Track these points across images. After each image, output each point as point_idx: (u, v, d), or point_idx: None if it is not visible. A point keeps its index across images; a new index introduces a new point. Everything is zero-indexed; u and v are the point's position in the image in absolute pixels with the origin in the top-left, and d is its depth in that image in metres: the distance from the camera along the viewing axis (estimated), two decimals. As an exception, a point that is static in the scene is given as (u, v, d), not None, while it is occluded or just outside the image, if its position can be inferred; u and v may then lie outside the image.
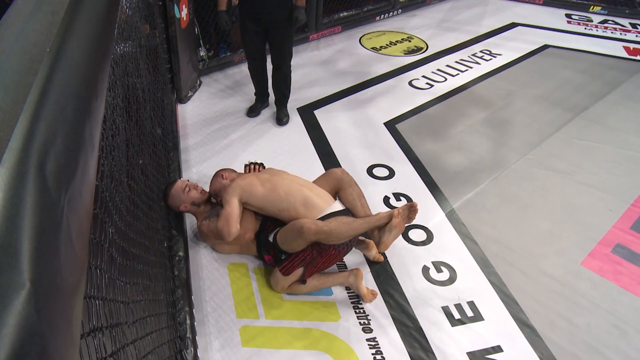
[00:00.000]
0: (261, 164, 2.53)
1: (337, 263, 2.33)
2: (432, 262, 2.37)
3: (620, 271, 2.35)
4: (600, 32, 5.27)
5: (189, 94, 3.71)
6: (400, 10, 5.62)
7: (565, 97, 3.93)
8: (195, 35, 3.75)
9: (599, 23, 5.51)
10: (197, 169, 2.99)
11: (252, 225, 2.26)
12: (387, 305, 2.16)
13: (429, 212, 2.68)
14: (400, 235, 2.36)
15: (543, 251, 2.45)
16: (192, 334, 1.94)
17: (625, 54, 4.75)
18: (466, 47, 4.85)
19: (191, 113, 3.56)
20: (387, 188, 2.87)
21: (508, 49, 4.81)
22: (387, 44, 4.89)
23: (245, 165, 2.53)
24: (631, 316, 2.12)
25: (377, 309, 2.14)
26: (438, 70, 4.37)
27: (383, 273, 2.31)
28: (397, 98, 3.87)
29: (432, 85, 4.09)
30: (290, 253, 2.11)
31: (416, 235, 2.53)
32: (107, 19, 1.05)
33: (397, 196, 2.81)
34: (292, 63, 3.31)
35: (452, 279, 2.29)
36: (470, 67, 4.43)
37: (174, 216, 2.42)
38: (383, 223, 2.17)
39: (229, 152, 3.14)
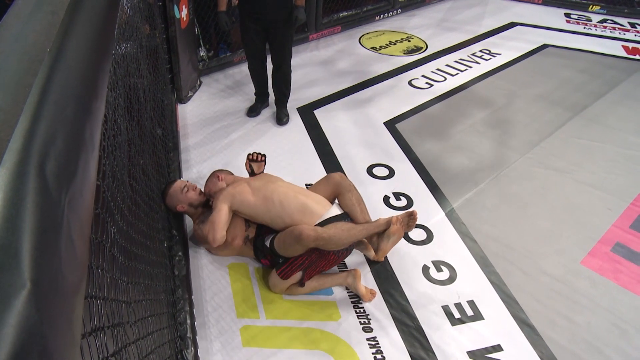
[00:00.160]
0: (264, 155, 2.51)
1: (337, 263, 2.33)
2: (432, 262, 2.37)
3: (620, 270, 2.35)
4: (599, 32, 5.27)
5: (189, 94, 3.71)
6: (399, 10, 5.62)
7: (565, 96, 3.93)
8: (195, 36, 3.75)
9: (598, 22, 5.51)
10: (197, 168, 2.99)
11: (240, 232, 2.25)
12: (387, 304, 2.16)
13: (429, 212, 2.68)
14: (402, 237, 2.35)
15: (543, 250, 2.45)
16: (193, 333, 1.95)
17: (624, 53, 4.75)
18: (466, 47, 4.85)
19: (191, 113, 3.56)
20: (387, 187, 2.88)
21: (507, 48, 4.81)
22: (386, 44, 4.89)
23: (248, 155, 2.50)
24: (631, 315, 2.13)
25: (377, 308, 2.14)
26: (438, 69, 4.37)
27: (383, 272, 2.31)
28: (397, 98, 3.87)
29: (431, 85, 4.09)
30: (288, 257, 2.11)
31: (416, 234, 2.53)
32: (107, 19, 1.05)
33: (397, 196, 2.82)
34: (292, 63, 3.31)
35: (452, 279, 2.29)
36: (470, 67, 4.43)
37: (174, 216, 2.42)
38: (382, 229, 2.17)
39: (229, 152, 3.14)
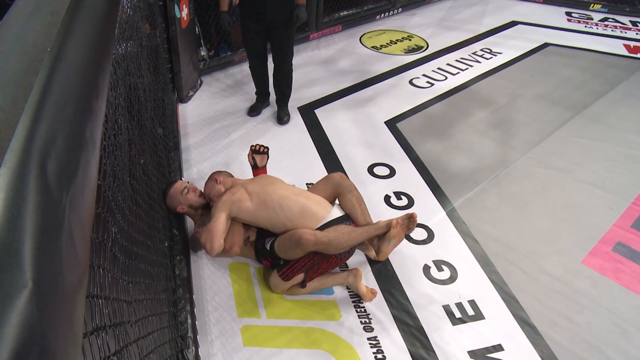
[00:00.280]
0: (266, 147, 2.50)
1: (338, 262, 2.33)
2: (433, 261, 2.37)
3: (620, 269, 2.35)
4: (600, 30, 5.26)
5: (190, 94, 3.72)
6: (400, 9, 5.62)
7: (566, 95, 3.93)
8: (195, 35, 3.75)
9: (599, 21, 5.51)
10: (198, 168, 2.99)
11: (238, 240, 2.25)
12: (388, 304, 2.16)
13: (430, 211, 2.68)
14: (403, 239, 2.35)
15: (544, 250, 2.45)
16: (194, 333, 1.95)
17: (625, 52, 4.75)
18: (466, 46, 4.84)
19: (192, 112, 3.56)
20: (388, 187, 2.87)
21: (508, 47, 4.81)
22: (387, 43, 4.89)
23: (252, 146, 2.48)
24: (632, 314, 2.12)
25: (378, 308, 2.14)
26: (438, 69, 4.37)
27: (384, 272, 2.31)
28: (398, 97, 3.87)
29: (432, 84, 4.09)
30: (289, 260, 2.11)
31: (417, 234, 2.53)
32: (107, 19, 1.05)
33: (398, 195, 2.81)
34: (292, 62, 3.31)
35: (452, 278, 2.29)
36: (471, 66, 4.42)
37: (175, 216, 2.43)
38: (382, 232, 2.17)
39: (230, 152, 3.14)
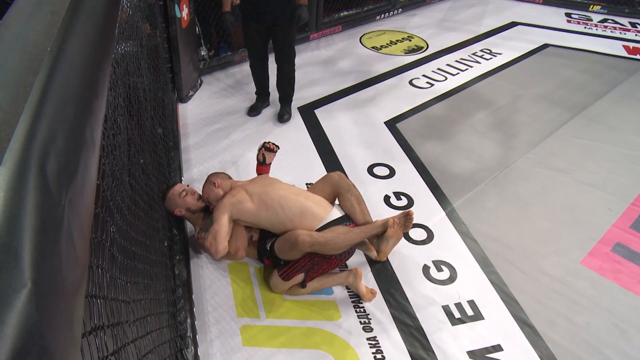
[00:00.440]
0: (278, 147, 2.48)
1: (338, 262, 2.33)
2: (433, 261, 2.37)
3: (620, 270, 2.35)
4: (600, 31, 5.27)
5: (190, 94, 3.71)
6: (400, 9, 5.62)
7: (565, 96, 3.93)
8: (196, 35, 3.75)
9: (598, 22, 5.51)
10: (198, 168, 2.99)
11: (242, 244, 2.25)
12: (387, 304, 2.16)
13: (430, 211, 2.68)
14: (402, 238, 2.35)
15: (543, 250, 2.45)
16: (193, 332, 1.95)
17: (625, 53, 4.75)
18: (466, 47, 4.84)
19: (192, 112, 3.56)
20: (388, 187, 2.88)
21: (508, 48, 4.81)
22: (387, 43, 4.89)
23: (265, 143, 2.44)
24: (631, 315, 2.13)
25: (377, 308, 2.14)
26: (438, 69, 4.37)
27: (383, 272, 2.31)
28: (398, 97, 3.87)
29: (432, 85, 4.09)
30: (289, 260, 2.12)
31: (417, 234, 2.53)
32: (107, 19, 1.05)
33: (398, 195, 2.82)
34: (295, 62, 3.31)
35: (452, 278, 2.29)
36: (471, 67, 4.43)
37: (174, 216, 2.42)
38: (380, 231, 2.17)
39: (230, 152, 3.14)
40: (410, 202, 2.76)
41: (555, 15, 5.69)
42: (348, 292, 2.22)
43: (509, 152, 3.22)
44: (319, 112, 3.63)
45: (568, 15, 5.72)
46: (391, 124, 3.51)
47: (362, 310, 2.13)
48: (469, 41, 4.97)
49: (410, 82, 4.13)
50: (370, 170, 3.02)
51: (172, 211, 2.33)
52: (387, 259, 2.37)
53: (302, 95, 3.79)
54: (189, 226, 2.51)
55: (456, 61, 4.53)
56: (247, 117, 3.52)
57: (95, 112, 0.83)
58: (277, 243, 2.12)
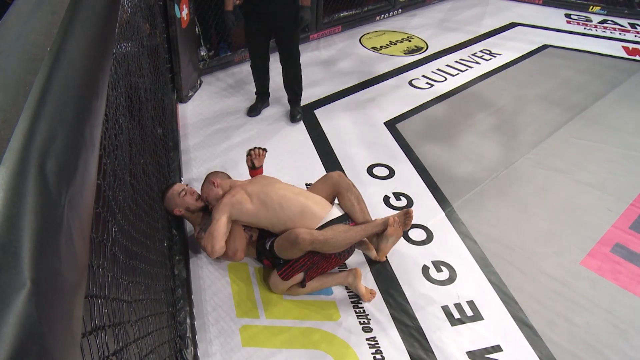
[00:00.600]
0: (264, 150, 2.50)
1: (337, 262, 2.33)
2: (432, 262, 2.37)
3: (619, 270, 2.35)
4: (599, 32, 5.27)
5: (190, 94, 3.72)
6: (400, 10, 5.62)
7: (565, 96, 3.93)
8: (195, 35, 3.75)
9: (598, 23, 5.51)
10: (197, 168, 2.99)
11: (241, 246, 2.25)
12: (387, 304, 2.16)
13: (429, 212, 2.68)
14: (401, 236, 2.36)
15: (542, 250, 2.45)
16: (192, 333, 1.95)
17: (624, 54, 4.75)
18: (466, 47, 4.85)
19: (192, 112, 3.56)
20: (387, 187, 2.88)
21: (508, 48, 4.81)
22: (387, 44, 4.89)
23: (250, 151, 2.47)
24: (630, 316, 2.13)
25: (377, 308, 2.14)
26: (438, 70, 4.37)
27: (383, 272, 2.31)
28: (397, 98, 3.87)
29: (432, 85, 4.09)
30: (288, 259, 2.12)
31: (416, 234, 2.53)
32: (107, 19, 1.05)
33: (397, 196, 2.82)
34: (300, 62, 3.31)
35: (451, 279, 2.29)
36: (470, 67, 4.43)
37: (174, 216, 2.42)
38: (380, 230, 2.17)
39: (229, 152, 3.14)
40: (410, 203, 2.77)
41: (555, 16, 5.70)
42: (347, 292, 2.22)
43: (509, 153, 3.22)
44: (319, 113, 3.63)
45: (568, 16, 5.72)
46: (391, 125, 3.51)
47: (361, 310, 2.13)
48: (469, 42, 4.97)
49: (410, 83, 4.13)
50: (369, 170, 3.02)
51: (172, 211, 2.33)
52: (387, 260, 2.37)
53: (302, 96, 3.78)
54: (188, 226, 2.51)
55: (456, 62, 4.53)
56: (246, 117, 3.52)
57: (95, 112, 0.83)
58: (276, 242, 2.12)
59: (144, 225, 1.70)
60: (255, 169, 2.49)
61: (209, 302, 2.15)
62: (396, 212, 2.64)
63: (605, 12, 5.72)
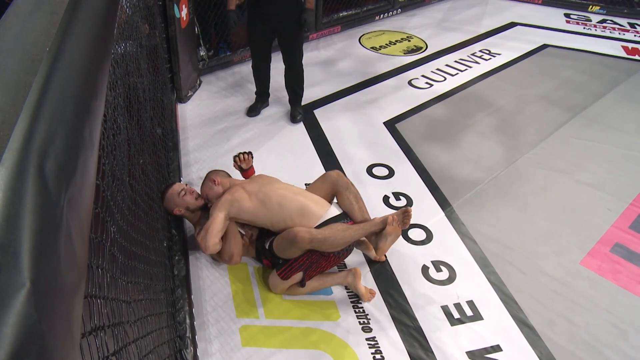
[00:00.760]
0: (249, 153, 2.51)
1: (337, 262, 2.33)
2: (432, 262, 2.37)
3: (619, 270, 2.35)
4: (599, 32, 5.27)
5: (189, 94, 3.71)
6: (399, 9, 5.62)
7: (565, 96, 3.93)
8: (195, 35, 3.75)
9: (597, 23, 5.51)
10: (197, 168, 2.99)
11: (237, 250, 2.25)
12: (386, 304, 2.16)
13: (429, 212, 2.68)
14: (400, 235, 2.36)
15: (542, 250, 2.45)
16: (192, 333, 1.95)
17: (624, 54, 4.76)
18: (465, 47, 4.85)
19: (191, 112, 3.56)
20: (387, 187, 2.88)
21: (507, 48, 4.81)
22: (386, 44, 4.89)
23: (235, 157, 2.50)
24: (630, 315, 2.13)
25: (376, 308, 2.14)
26: (437, 69, 4.37)
27: (383, 272, 2.31)
28: (397, 97, 3.87)
29: (431, 85, 4.09)
30: (288, 259, 2.12)
31: (416, 234, 2.53)
32: (106, 19, 1.05)
33: (397, 195, 2.82)
34: (302, 62, 3.31)
35: (451, 279, 2.29)
36: (470, 67, 4.43)
37: (174, 216, 2.42)
38: (378, 229, 2.17)
39: (229, 152, 3.14)
40: (410, 203, 2.77)
41: (555, 16, 5.70)
42: (347, 292, 2.22)
43: (509, 153, 3.22)
44: (318, 113, 3.63)
45: (567, 15, 5.73)
46: (390, 124, 3.51)
47: (361, 310, 2.13)
48: (468, 41, 4.97)
49: (410, 83, 4.13)
50: (369, 170, 3.02)
51: (171, 211, 2.33)
52: (386, 259, 2.37)
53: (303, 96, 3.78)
54: (188, 226, 2.51)
55: (455, 61, 4.54)
56: (246, 117, 3.52)
57: (95, 112, 0.83)
58: (275, 241, 2.13)
59: (143, 225, 1.70)
60: (245, 171, 2.50)
61: (208, 302, 2.15)
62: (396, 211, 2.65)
63: (605, 11, 5.72)
